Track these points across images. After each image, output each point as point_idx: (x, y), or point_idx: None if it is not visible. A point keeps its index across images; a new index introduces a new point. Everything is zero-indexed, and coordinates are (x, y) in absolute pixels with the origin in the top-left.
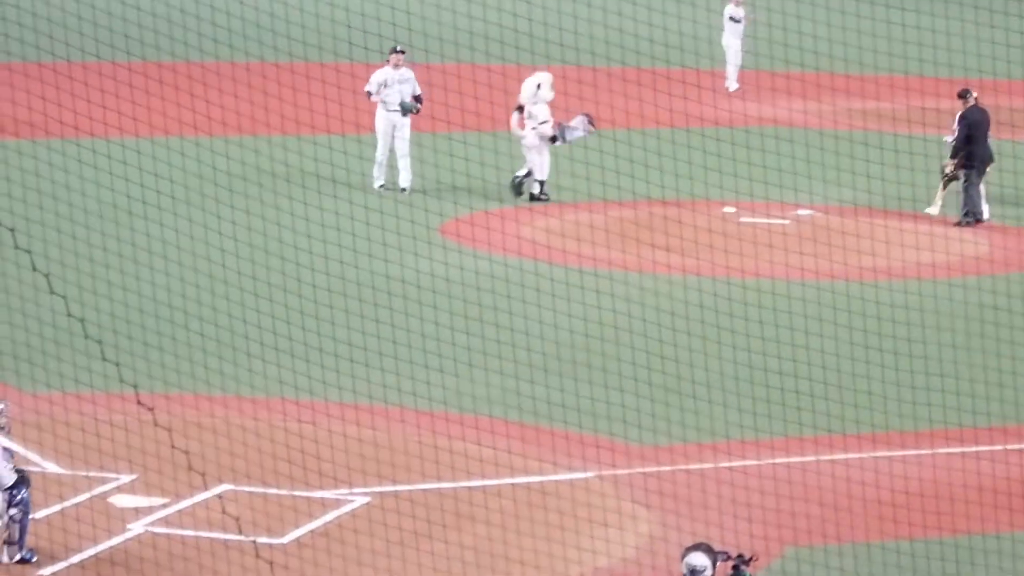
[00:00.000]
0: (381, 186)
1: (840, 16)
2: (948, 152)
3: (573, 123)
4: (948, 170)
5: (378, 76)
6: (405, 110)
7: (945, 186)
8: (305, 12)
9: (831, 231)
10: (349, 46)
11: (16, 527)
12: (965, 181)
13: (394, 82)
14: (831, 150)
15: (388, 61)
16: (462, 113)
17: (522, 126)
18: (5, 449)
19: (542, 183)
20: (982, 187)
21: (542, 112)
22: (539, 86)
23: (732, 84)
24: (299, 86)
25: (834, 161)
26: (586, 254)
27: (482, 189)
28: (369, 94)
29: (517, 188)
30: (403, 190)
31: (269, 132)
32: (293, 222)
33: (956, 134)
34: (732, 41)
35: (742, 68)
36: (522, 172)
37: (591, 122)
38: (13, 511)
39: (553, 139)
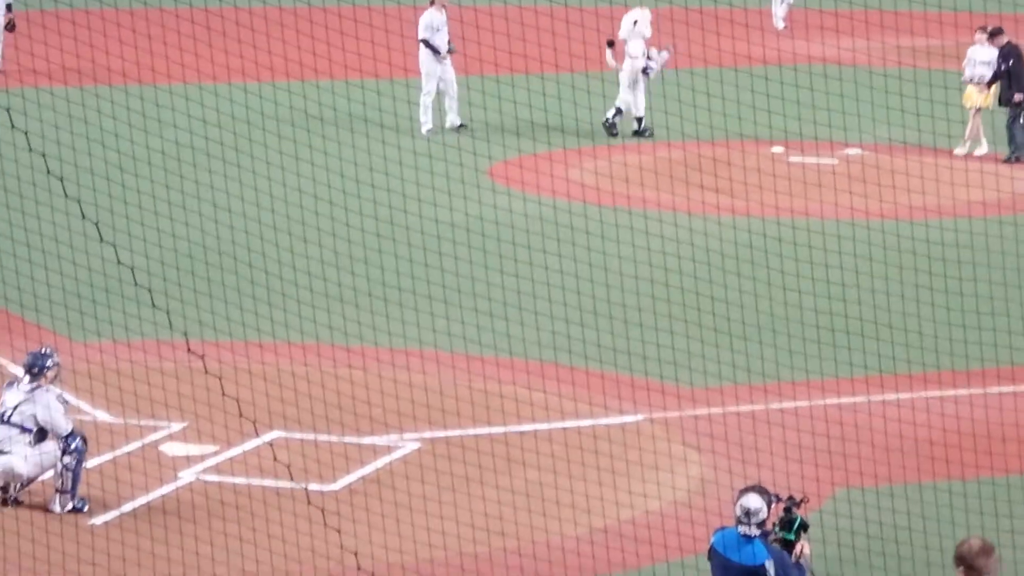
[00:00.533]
0: (429, 130)
1: None
2: (991, 88)
3: (663, 57)
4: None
5: (430, 20)
6: (451, 51)
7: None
8: None
9: (879, 170)
10: None
11: (69, 476)
12: (1013, 118)
13: (441, 24)
14: (879, 88)
15: (433, 3)
16: (509, 55)
17: (619, 60)
18: (61, 396)
19: (640, 119)
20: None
21: (637, 47)
22: (636, 22)
23: (779, 23)
24: (347, 30)
25: (882, 99)
26: (634, 195)
27: (530, 131)
28: (426, 41)
29: (610, 129)
30: (462, 126)
31: (317, 77)
32: (341, 167)
33: (1000, 69)
34: None
35: (792, 6)
36: (611, 112)
37: (664, 51)
38: (67, 459)
39: (645, 71)
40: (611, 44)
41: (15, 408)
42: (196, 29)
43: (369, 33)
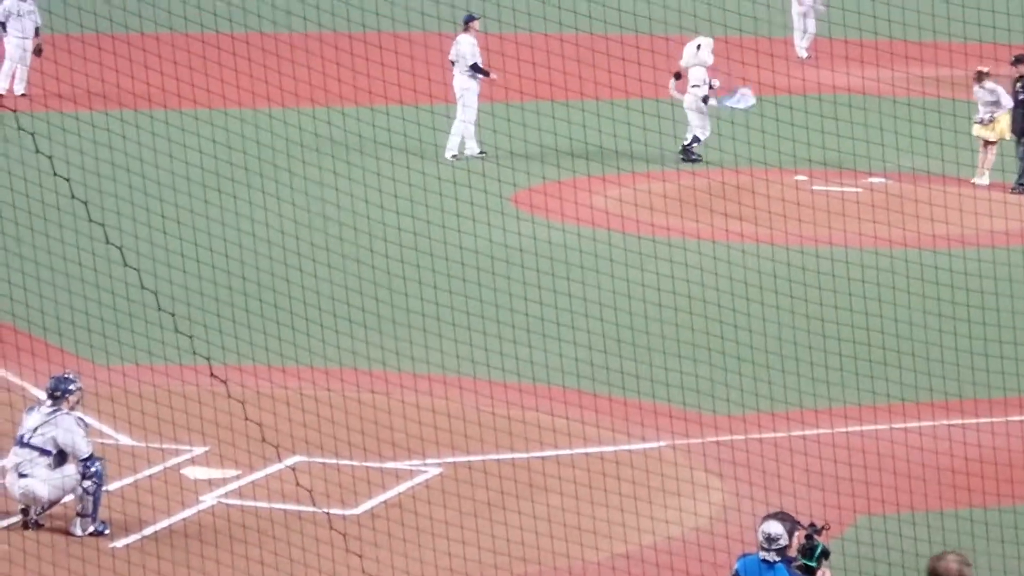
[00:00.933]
0: (482, 153)
1: None
2: (997, 117)
3: (738, 96)
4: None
5: (475, 44)
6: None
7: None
8: None
9: (903, 199)
10: (421, 16)
11: (90, 499)
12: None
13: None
14: (903, 117)
15: (469, 29)
16: (534, 83)
17: (681, 90)
18: (80, 419)
19: (696, 139)
20: None
21: (697, 75)
22: (699, 47)
23: (802, 52)
24: (372, 56)
25: (906, 129)
26: (657, 223)
27: (554, 158)
28: (476, 66)
29: (687, 154)
30: (482, 153)
31: (342, 103)
32: (366, 193)
33: (1018, 98)
34: (799, 10)
35: (815, 36)
36: (688, 138)
37: (747, 95)
38: (87, 483)
39: (705, 99)
40: (678, 76)
41: (35, 431)
42: (221, 55)
43: (394, 60)
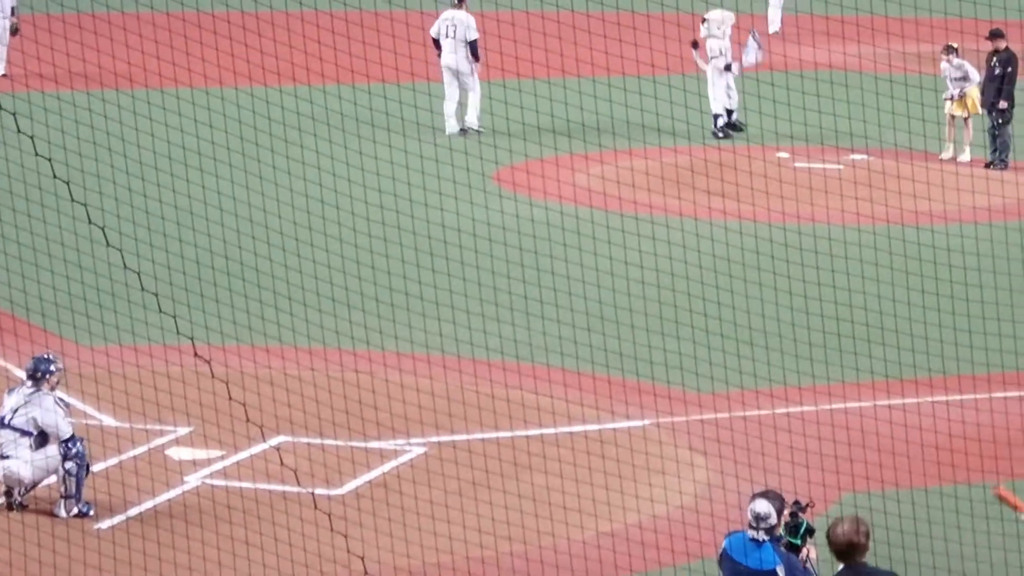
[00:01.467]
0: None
1: None
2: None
3: (749, 50)
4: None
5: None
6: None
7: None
8: None
9: (885, 175)
10: None
11: (72, 480)
12: (1004, 123)
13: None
14: (884, 94)
15: (461, 5)
16: (515, 60)
17: (705, 60)
18: (61, 401)
19: (730, 112)
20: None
21: (714, 46)
22: (704, 21)
23: (775, 26)
24: (353, 35)
25: (888, 105)
26: (640, 201)
27: (536, 136)
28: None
29: (724, 129)
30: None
31: (324, 82)
32: (348, 172)
33: (993, 72)
34: None
35: (796, 13)
36: (723, 113)
37: (758, 44)
38: (69, 464)
39: (727, 67)
40: (695, 45)
41: (15, 412)
42: (203, 33)
43: (376, 38)
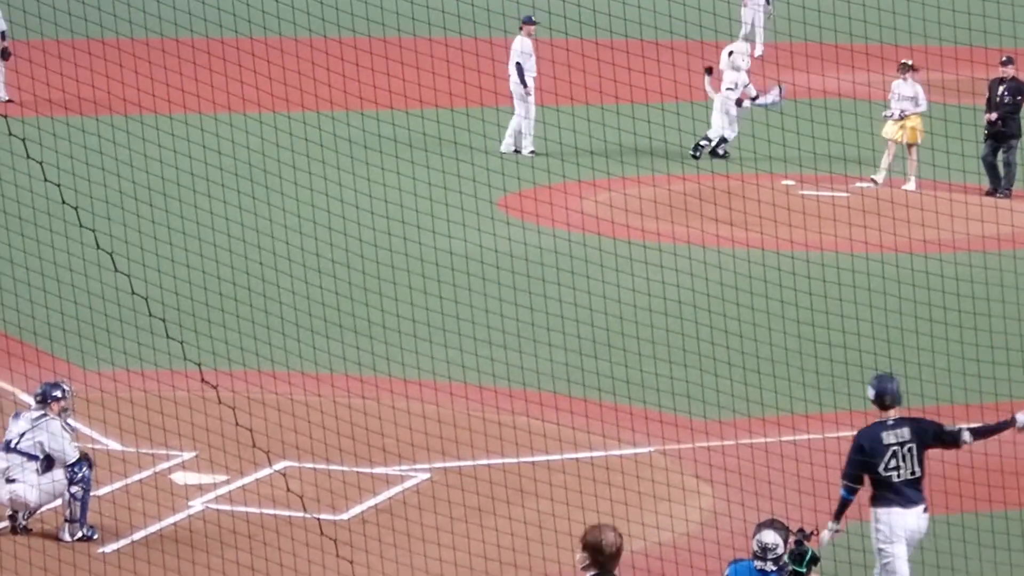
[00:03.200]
0: (532, 152)
1: None
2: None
3: (770, 94)
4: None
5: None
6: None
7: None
8: None
9: (893, 204)
10: (413, 21)
11: (77, 504)
12: (1007, 151)
13: (531, 51)
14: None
15: (522, 30)
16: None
17: (716, 88)
18: (67, 426)
19: (723, 140)
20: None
21: (729, 78)
22: (731, 53)
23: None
24: (362, 62)
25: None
26: (646, 228)
27: (543, 163)
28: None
29: (699, 150)
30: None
31: (332, 108)
32: (356, 198)
33: (1003, 100)
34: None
35: (793, 39)
36: (711, 138)
37: (781, 92)
38: (74, 488)
39: (739, 103)
40: (709, 71)
41: (22, 436)
42: (211, 60)
43: (384, 65)
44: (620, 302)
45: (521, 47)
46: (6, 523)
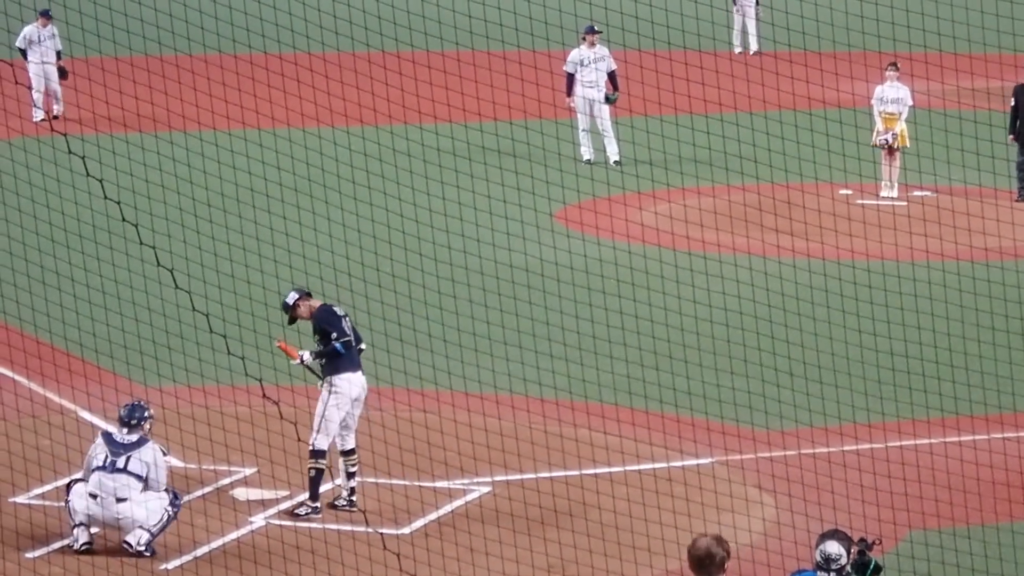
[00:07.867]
0: (588, 160)
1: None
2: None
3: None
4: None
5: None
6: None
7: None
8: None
9: (954, 212)
10: (455, 31)
11: (163, 523)
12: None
13: (590, 61)
14: (953, 131)
15: (585, 40)
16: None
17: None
18: (163, 452)
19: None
20: None
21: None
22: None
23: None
24: (407, 73)
25: (956, 142)
26: (706, 239)
27: (602, 175)
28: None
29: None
30: (616, 163)
31: (391, 122)
32: (416, 212)
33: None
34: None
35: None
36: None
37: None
38: (171, 509)
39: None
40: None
41: (128, 458)
42: (269, 76)
43: (443, 79)
44: (680, 313)
45: (571, 57)
46: (66, 541)
